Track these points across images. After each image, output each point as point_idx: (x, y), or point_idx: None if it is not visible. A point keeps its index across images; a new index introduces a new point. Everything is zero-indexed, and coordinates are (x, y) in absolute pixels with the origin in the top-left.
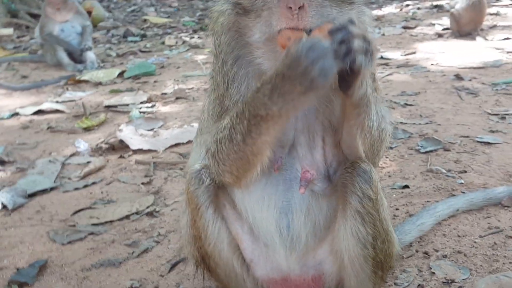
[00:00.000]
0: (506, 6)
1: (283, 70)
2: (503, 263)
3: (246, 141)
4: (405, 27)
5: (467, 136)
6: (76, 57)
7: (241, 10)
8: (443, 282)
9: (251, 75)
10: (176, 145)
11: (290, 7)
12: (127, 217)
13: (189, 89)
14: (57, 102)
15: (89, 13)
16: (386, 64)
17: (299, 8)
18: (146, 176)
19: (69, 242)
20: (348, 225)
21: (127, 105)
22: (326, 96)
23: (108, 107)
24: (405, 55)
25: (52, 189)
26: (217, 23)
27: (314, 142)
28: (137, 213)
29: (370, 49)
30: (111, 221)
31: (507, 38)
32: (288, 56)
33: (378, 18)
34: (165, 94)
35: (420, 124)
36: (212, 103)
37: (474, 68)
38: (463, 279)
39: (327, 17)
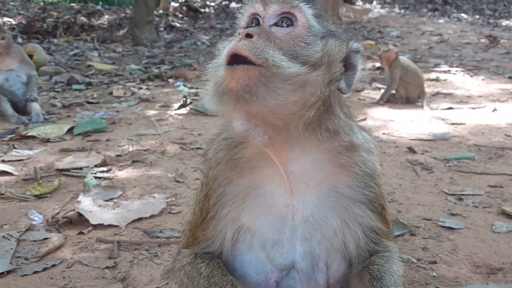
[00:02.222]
0: (444, 72)
1: None
2: None
3: None
4: (353, 89)
5: (430, 219)
6: (20, 108)
7: None
8: None
9: (230, 216)
10: (139, 220)
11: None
12: None
13: (145, 150)
14: (3, 161)
15: (30, 56)
16: None
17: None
18: (110, 258)
19: None
20: None
21: (81, 168)
22: (330, 225)
23: (60, 170)
24: (357, 121)
25: (8, 272)
26: (210, 150)
27: (318, 267)
28: None
29: None
30: None
31: (451, 108)
32: None
33: None
34: (120, 156)
35: None
36: (187, 225)
37: (425, 140)
38: None
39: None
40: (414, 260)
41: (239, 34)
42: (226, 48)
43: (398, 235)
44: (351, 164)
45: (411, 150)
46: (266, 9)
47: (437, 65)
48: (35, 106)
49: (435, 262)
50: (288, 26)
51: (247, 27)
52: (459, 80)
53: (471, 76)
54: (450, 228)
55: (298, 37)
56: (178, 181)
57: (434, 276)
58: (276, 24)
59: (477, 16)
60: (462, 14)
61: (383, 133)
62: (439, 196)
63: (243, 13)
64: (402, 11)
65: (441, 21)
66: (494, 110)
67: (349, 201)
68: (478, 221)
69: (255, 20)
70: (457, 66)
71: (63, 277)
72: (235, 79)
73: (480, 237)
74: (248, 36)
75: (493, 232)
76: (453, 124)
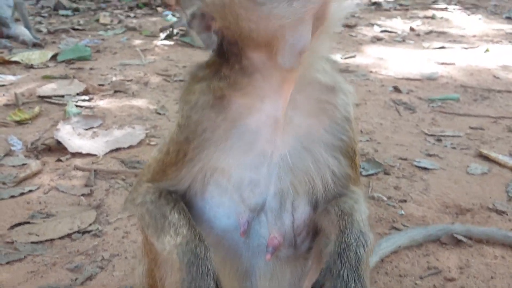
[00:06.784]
0: (442, 9)
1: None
2: None
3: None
4: (345, 25)
5: (406, 159)
6: (3, 32)
7: None
8: None
9: (209, 158)
10: (117, 149)
11: None
12: (69, 235)
13: (128, 81)
14: None
15: None
16: None
17: None
18: (86, 185)
19: (8, 263)
20: None
21: (63, 96)
22: (303, 167)
23: (41, 97)
24: (345, 58)
25: None
26: (193, 91)
27: (285, 207)
28: (78, 231)
29: None
30: (51, 240)
31: (443, 47)
32: None
33: None
34: (102, 85)
35: (361, 141)
36: (156, 162)
37: (412, 79)
38: None
39: None
40: (385, 198)
41: None
42: None
43: (372, 174)
44: (332, 107)
45: (396, 89)
46: None
47: (435, 1)
48: (24, 31)
49: (405, 201)
50: None
51: None
52: (455, 18)
53: (468, 15)
54: (424, 168)
55: None
56: (159, 113)
57: (402, 214)
58: None
59: None
60: None
61: (371, 71)
62: (418, 137)
63: None
64: None
65: None
66: (487, 50)
67: (325, 146)
68: (454, 162)
69: None
70: (455, 4)
71: (39, 202)
72: None
73: (453, 178)
74: None
75: (467, 174)
76: (442, 64)
